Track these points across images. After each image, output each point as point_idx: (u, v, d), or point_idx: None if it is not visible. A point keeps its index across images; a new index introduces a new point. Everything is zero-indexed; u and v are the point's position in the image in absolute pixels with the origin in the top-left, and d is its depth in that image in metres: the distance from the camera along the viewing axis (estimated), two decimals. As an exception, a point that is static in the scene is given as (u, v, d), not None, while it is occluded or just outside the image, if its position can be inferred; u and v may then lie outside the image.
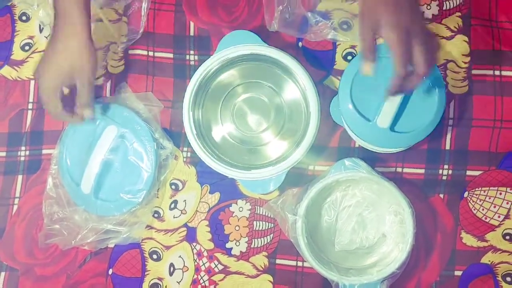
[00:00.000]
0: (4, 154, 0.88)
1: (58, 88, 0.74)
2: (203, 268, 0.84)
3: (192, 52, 0.87)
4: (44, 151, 0.88)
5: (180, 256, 0.84)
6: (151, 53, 0.87)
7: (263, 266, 0.84)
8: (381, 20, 0.62)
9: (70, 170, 0.82)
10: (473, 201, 0.82)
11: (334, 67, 0.85)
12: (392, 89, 0.65)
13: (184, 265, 0.84)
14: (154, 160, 0.81)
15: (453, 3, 0.85)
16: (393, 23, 0.61)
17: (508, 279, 0.81)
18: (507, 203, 0.82)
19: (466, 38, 0.84)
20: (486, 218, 0.82)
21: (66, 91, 0.76)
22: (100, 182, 0.81)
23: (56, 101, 0.74)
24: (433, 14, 0.84)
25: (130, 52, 0.87)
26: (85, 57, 0.73)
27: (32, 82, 0.89)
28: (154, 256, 0.85)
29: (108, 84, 0.87)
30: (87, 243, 0.82)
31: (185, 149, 0.86)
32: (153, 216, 0.85)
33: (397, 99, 0.74)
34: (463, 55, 0.84)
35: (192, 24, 0.87)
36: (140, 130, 0.81)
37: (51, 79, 0.73)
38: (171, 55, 0.87)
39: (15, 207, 0.87)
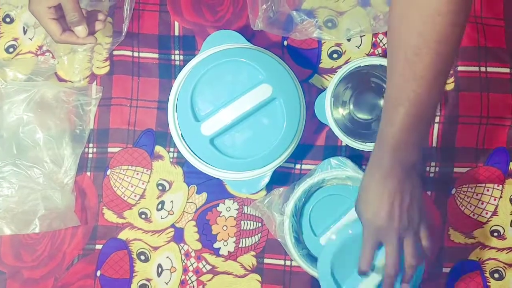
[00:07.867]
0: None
1: (47, 10, 0.72)
2: (191, 268, 0.84)
3: (177, 52, 0.86)
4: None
5: (168, 257, 0.84)
6: (136, 54, 0.86)
7: (251, 266, 0.83)
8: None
9: None
10: (460, 198, 0.82)
11: (320, 65, 0.84)
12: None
13: (172, 266, 0.84)
14: None
15: (438, -1, 0.84)
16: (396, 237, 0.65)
17: (496, 275, 0.81)
18: (495, 200, 0.82)
19: (452, 35, 0.83)
20: (473, 215, 0.82)
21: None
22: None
23: (52, 23, 0.72)
24: (418, 11, 0.84)
25: (115, 53, 0.86)
26: None
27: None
28: (142, 257, 0.84)
29: (94, 85, 0.87)
30: None
31: (171, 149, 0.85)
32: (140, 217, 0.85)
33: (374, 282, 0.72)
34: (449, 51, 0.83)
35: (176, 24, 0.87)
36: None
37: (37, 2, 0.72)
38: (156, 55, 0.86)
39: (2, 210, 0.87)
